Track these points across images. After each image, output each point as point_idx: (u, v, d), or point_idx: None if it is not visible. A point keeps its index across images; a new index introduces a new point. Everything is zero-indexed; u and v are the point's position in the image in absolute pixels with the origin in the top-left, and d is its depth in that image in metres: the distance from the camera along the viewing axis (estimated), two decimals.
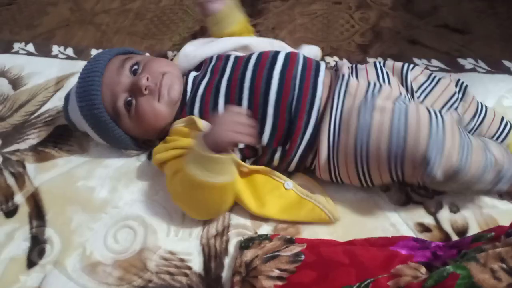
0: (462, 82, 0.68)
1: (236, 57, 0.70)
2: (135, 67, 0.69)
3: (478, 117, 0.66)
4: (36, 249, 0.64)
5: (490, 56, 0.88)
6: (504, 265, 0.40)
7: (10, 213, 0.69)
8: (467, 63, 0.88)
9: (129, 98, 0.67)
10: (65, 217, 0.67)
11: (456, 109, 0.64)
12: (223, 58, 0.71)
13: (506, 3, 1.02)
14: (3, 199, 0.71)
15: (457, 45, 0.92)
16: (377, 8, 1.05)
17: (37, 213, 0.68)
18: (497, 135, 0.67)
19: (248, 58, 0.68)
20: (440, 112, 0.59)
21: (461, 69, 0.86)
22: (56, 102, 0.87)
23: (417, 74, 0.67)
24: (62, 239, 0.64)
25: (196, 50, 0.75)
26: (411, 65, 0.68)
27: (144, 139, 0.73)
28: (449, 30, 0.96)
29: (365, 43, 0.96)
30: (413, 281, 0.45)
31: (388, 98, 0.60)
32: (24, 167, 0.75)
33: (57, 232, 0.65)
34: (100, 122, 0.69)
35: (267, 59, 0.66)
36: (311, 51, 0.78)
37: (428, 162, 0.55)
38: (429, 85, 0.66)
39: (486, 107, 0.69)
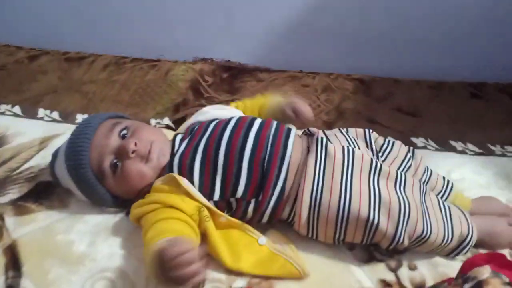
0: (408, 146, 0.80)
1: (217, 121, 0.77)
2: (124, 131, 0.75)
3: (427, 172, 0.77)
4: None
5: (438, 136, 1.01)
6: None
7: None
8: (419, 141, 1.00)
9: (115, 160, 0.72)
10: (42, 269, 0.68)
11: (409, 167, 0.74)
12: (205, 122, 0.78)
13: (451, 92, 1.18)
14: None
15: (410, 125, 1.05)
16: (340, 92, 1.18)
17: (13, 265, 0.69)
18: (443, 191, 0.77)
19: (228, 121, 0.76)
20: (405, 188, 0.68)
21: (414, 146, 0.97)
22: (39, 160, 0.90)
23: (376, 137, 0.79)
24: None
25: (195, 118, 0.82)
26: (370, 130, 0.79)
27: (124, 198, 0.77)
28: (403, 113, 1.10)
29: (330, 120, 1.07)
30: None
31: (364, 165, 0.69)
32: (3, 219, 0.77)
33: (33, 283, 0.66)
34: (85, 181, 0.73)
35: (245, 122, 0.75)
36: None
37: (396, 232, 0.64)
38: (387, 146, 0.77)
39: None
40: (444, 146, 0.98)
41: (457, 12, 1.18)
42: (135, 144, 0.72)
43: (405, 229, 0.65)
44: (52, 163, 0.79)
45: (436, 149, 0.97)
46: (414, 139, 1.00)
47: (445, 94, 1.17)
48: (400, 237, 0.65)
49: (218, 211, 0.69)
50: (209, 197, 0.71)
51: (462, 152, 0.97)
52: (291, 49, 1.32)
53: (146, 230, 0.67)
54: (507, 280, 0.47)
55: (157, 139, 0.75)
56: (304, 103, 0.82)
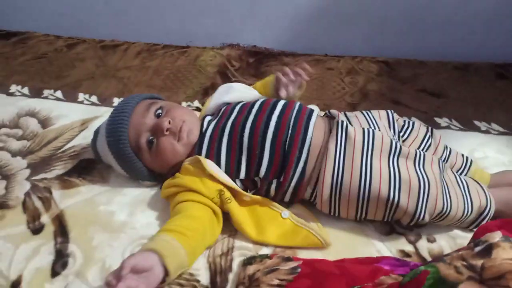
0: (427, 126, 0.82)
1: (243, 104, 0.82)
2: (159, 111, 0.80)
3: (447, 150, 0.80)
4: (60, 262, 0.71)
5: (462, 116, 1.02)
6: (465, 263, 0.49)
7: (37, 231, 0.76)
8: (443, 121, 1.01)
9: (151, 137, 0.78)
10: (87, 235, 0.75)
11: (429, 145, 0.77)
12: (232, 105, 0.83)
13: (477, 73, 1.18)
14: (30, 219, 0.79)
15: (434, 106, 1.06)
16: (364, 74, 1.20)
17: (61, 232, 0.76)
18: (462, 167, 0.80)
19: (253, 104, 0.80)
20: (424, 166, 0.71)
21: (437, 126, 0.99)
22: (81, 140, 0.98)
23: (397, 118, 0.82)
24: (84, 254, 0.72)
25: (220, 97, 0.87)
26: (392, 111, 0.82)
27: (159, 173, 0.83)
28: (427, 94, 1.11)
29: (354, 102, 1.10)
30: (392, 282, 0.53)
31: (384, 145, 0.71)
32: (50, 192, 0.84)
33: (79, 248, 0.73)
34: (124, 155, 0.79)
35: (269, 105, 0.79)
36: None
37: (416, 209, 0.67)
38: (408, 127, 0.80)
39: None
40: (468, 126, 1.00)
41: None
42: (169, 122, 0.77)
43: (426, 206, 0.67)
44: (94, 140, 0.85)
45: (460, 129, 0.99)
46: (437, 119, 1.01)
47: (471, 75, 1.17)
48: (421, 214, 0.67)
49: (241, 191, 0.74)
50: (235, 176, 0.76)
51: (486, 131, 0.98)
52: (316, 33, 1.35)
53: (171, 209, 0.74)
54: None
55: (188, 119, 0.80)
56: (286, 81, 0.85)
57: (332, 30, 1.33)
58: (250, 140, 0.74)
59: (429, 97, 1.10)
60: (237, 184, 0.76)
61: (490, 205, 0.70)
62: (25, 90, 1.17)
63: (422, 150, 0.77)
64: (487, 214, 0.70)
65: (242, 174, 0.75)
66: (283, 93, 0.85)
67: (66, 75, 1.24)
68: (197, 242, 0.68)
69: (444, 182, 0.71)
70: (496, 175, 0.80)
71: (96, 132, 0.86)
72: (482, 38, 1.25)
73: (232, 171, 0.76)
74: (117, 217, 0.78)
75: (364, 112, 0.81)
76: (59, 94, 1.15)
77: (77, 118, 1.05)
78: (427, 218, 0.68)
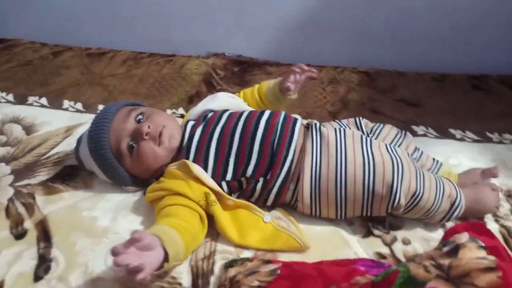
0: (401, 129, 0.87)
1: (231, 112, 0.85)
2: (140, 116, 0.82)
3: (418, 150, 0.85)
4: (43, 266, 0.71)
5: (438, 125, 1.06)
6: (433, 262, 0.52)
7: (20, 236, 0.77)
8: (420, 129, 1.05)
9: (132, 142, 0.80)
10: (70, 240, 0.75)
11: (400, 144, 0.83)
12: (218, 112, 0.85)
13: (453, 84, 1.22)
14: (13, 225, 0.79)
15: (412, 115, 1.10)
16: (345, 84, 1.24)
17: (44, 237, 0.76)
18: (432, 168, 0.84)
19: (241, 113, 0.83)
20: (395, 149, 0.75)
21: (414, 134, 1.02)
22: (65, 146, 0.98)
23: (366, 122, 0.87)
24: (67, 258, 0.72)
25: (205, 104, 0.89)
26: (361, 117, 0.87)
27: (142, 178, 0.84)
28: (405, 103, 1.15)
29: (334, 111, 1.13)
30: (366, 281, 0.55)
31: (355, 138, 0.76)
32: (34, 198, 0.85)
33: (62, 252, 0.73)
34: (105, 161, 0.81)
35: (257, 113, 0.83)
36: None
37: (391, 190, 0.70)
38: (377, 128, 0.86)
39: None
40: (443, 134, 1.03)
41: (460, 6, 1.23)
42: (149, 127, 0.79)
43: (400, 187, 0.70)
44: (77, 148, 0.87)
45: (436, 137, 1.02)
46: (415, 127, 1.05)
47: (448, 86, 1.22)
48: (396, 195, 0.70)
49: (225, 194, 0.76)
50: (222, 177, 0.78)
51: (461, 139, 1.02)
52: (300, 44, 1.38)
53: (157, 213, 0.75)
54: (482, 244, 0.52)
55: (169, 123, 0.82)
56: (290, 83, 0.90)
57: (315, 40, 1.36)
58: (240, 143, 0.78)
59: (407, 107, 1.13)
60: (222, 187, 0.78)
61: (460, 198, 0.73)
62: (10, 97, 1.18)
63: (396, 144, 0.83)
64: (458, 205, 0.73)
65: (229, 175, 0.78)
66: (291, 86, 0.89)
67: (51, 82, 1.25)
68: (189, 242, 0.70)
69: (418, 167, 0.74)
70: (463, 174, 0.84)
71: (79, 140, 0.87)
72: (459, 50, 1.29)
73: (219, 173, 0.78)
74: (100, 222, 0.79)
75: (335, 121, 0.88)
76: (44, 101, 1.16)
77: (62, 125, 1.06)
78: (402, 200, 0.71)
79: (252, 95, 0.96)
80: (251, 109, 0.89)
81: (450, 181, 0.77)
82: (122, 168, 0.82)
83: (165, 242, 0.62)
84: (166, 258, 0.62)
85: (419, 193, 0.71)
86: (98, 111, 1.09)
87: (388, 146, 0.76)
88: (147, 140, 0.79)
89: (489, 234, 0.56)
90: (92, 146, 0.81)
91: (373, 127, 0.86)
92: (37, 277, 0.69)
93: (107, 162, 0.81)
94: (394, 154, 0.73)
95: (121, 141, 0.80)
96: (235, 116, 0.82)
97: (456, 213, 0.73)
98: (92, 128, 0.82)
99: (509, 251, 0.56)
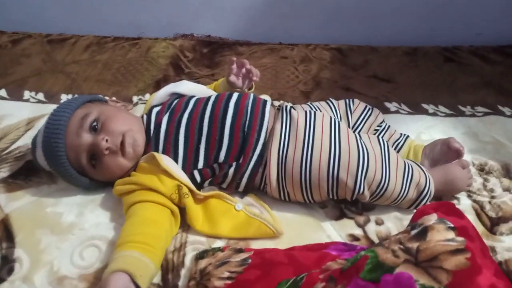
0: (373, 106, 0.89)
1: (198, 98, 0.82)
2: (94, 123, 0.75)
3: (386, 124, 0.88)
4: (6, 268, 0.68)
5: (411, 100, 1.05)
6: (402, 246, 0.51)
7: None
8: (392, 106, 1.04)
9: (92, 159, 0.75)
10: (34, 239, 0.72)
11: (368, 118, 0.85)
12: (184, 98, 0.82)
13: (425, 58, 1.21)
14: None
15: (384, 91, 1.09)
16: (318, 62, 1.21)
17: (7, 236, 0.73)
18: (399, 140, 0.86)
19: (209, 98, 0.80)
20: (361, 137, 0.74)
21: (387, 111, 1.01)
22: (27, 140, 0.94)
23: (357, 104, 0.87)
24: (31, 258, 0.69)
25: (170, 88, 0.86)
26: (351, 100, 0.87)
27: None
28: (378, 79, 1.14)
29: (307, 90, 1.11)
30: (337, 267, 0.54)
31: (325, 123, 0.74)
32: None
33: (26, 252, 0.70)
34: (67, 175, 0.77)
35: (224, 96, 0.80)
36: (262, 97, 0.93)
37: (356, 180, 0.69)
38: (365, 114, 0.86)
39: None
40: (416, 109, 1.02)
41: None
42: (107, 140, 0.73)
43: (364, 177, 0.69)
44: (34, 152, 0.81)
45: (409, 113, 1.02)
46: (387, 104, 1.04)
47: (420, 59, 1.21)
48: (360, 185, 0.69)
49: (195, 190, 0.73)
50: (194, 166, 0.76)
51: (433, 114, 1.01)
52: (271, 22, 1.34)
53: (125, 209, 0.72)
54: (451, 225, 0.51)
55: (128, 128, 0.76)
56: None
57: (286, 18, 1.33)
58: (209, 128, 0.75)
59: (379, 83, 1.12)
60: (195, 176, 0.76)
61: (429, 185, 0.73)
62: None
63: (363, 120, 0.85)
64: (426, 193, 0.72)
65: (201, 163, 0.75)
66: (232, 78, 0.88)
67: (10, 72, 1.19)
68: (162, 250, 0.67)
69: (387, 156, 0.72)
70: (428, 146, 0.83)
71: (34, 144, 0.81)
72: (431, 24, 1.28)
73: (190, 162, 0.76)
74: (65, 218, 0.76)
75: (308, 103, 0.86)
76: (3, 92, 1.10)
77: (23, 117, 1.01)
78: (366, 190, 0.70)
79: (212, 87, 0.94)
80: (219, 93, 0.85)
81: (420, 167, 0.76)
82: (86, 178, 0.78)
83: (138, 278, 0.59)
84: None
85: (384, 184, 0.70)
86: (61, 101, 1.06)
87: (357, 134, 0.75)
88: (108, 155, 0.74)
89: (458, 214, 0.55)
90: (51, 163, 0.76)
91: (362, 112, 0.86)
92: (0, 280, 0.66)
93: (69, 176, 0.77)
94: (361, 143, 0.72)
95: (80, 158, 0.75)
96: (202, 101, 0.79)
97: (424, 201, 0.73)
98: (46, 142, 0.75)
99: (478, 230, 0.55)
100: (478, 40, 1.24)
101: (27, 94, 1.10)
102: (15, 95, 1.10)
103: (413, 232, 0.52)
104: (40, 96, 1.09)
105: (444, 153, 0.80)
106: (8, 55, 1.27)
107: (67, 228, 0.74)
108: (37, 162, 0.81)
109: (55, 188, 0.83)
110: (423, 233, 0.51)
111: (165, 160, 0.74)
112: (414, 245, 0.50)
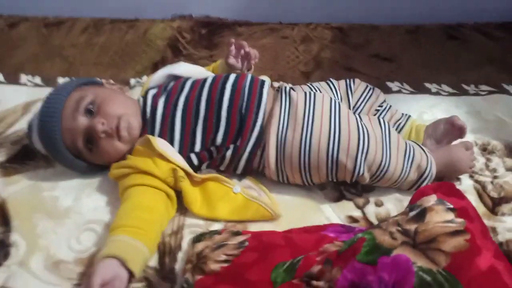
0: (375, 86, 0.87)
1: (194, 80, 0.80)
2: (90, 106, 0.74)
3: (388, 104, 0.85)
4: (1, 252, 0.68)
5: (413, 79, 1.02)
6: (400, 228, 0.49)
7: None
8: (394, 85, 1.01)
9: (88, 142, 0.74)
10: (30, 223, 0.72)
11: (371, 95, 0.83)
12: (181, 80, 0.80)
13: (428, 35, 1.18)
14: None
15: (386, 71, 1.06)
16: (318, 41, 1.19)
17: (3, 221, 0.73)
18: (401, 119, 0.84)
19: (205, 79, 0.78)
20: (361, 119, 0.71)
21: (389, 91, 0.99)
22: (24, 124, 0.92)
23: (358, 85, 0.84)
24: (27, 242, 0.69)
25: (167, 70, 0.84)
26: (351, 80, 0.85)
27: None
28: (380, 59, 1.11)
29: (308, 70, 1.08)
30: (335, 249, 0.53)
31: (325, 104, 0.72)
32: None
33: (22, 236, 0.70)
34: (64, 159, 0.76)
35: (221, 78, 0.78)
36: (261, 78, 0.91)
37: (355, 163, 0.67)
38: (366, 94, 0.83)
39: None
40: (418, 88, 1.00)
41: None
42: (103, 124, 0.73)
43: (365, 160, 0.68)
44: (30, 136, 0.79)
45: (411, 92, 0.99)
46: (389, 84, 1.02)
47: (422, 37, 1.18)
48: (360, 168, 0.68)
49: (192, 172, 0.72)
50: (190, 149, 0.75)
51: (436, 93, 0.99)
52: (270, 1, 1.31)
53: (121, 193, 0.71)
54: (451, 206, 0.50)
55: (124, 112, 0.75)
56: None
57: None
58: (206, 111, 0.74)
59: (381, 62, 1.09)
60: (192, 159, 0.75)
61: (431, 167, 0.71)
62: None
63: (363, 100, 0.83)
64: (427, 175, 0.71)
65: (198, 146, 0.74)
66: (231, 60, 0.85)
67: (7, 56, 1.17)
68: (156, 234, 0.66)
69: (388, 138, 0.71)
70: (430, 126, 0.81)
71: (30, 128, 0.79)
72: (433, 1, 1.24)
73: (187, 145, 0.74)
74: (62, 202, 0.76)
75: (308, 84, 0.83)
76: (0, 77, 1.09)
77: (20, 101, 1.00)
78: (366, 173, 0.69)
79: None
80: (216, 74, 0.83)
81: (422, 148, 0.74)
82: (82, 162, 0.77)
83: (128, 262, 0.58)
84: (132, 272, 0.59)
85: (384, 166, 0.69)
86: (56, 86, 1.03)
87: (357, 116, 0.73)
88: (105, 138, 0.73)
89: (458, 194, 0.53)
90: (47, 147, 0.75)
91: (362, 92, 0.84)
92: None
93: (66, 160, 0.76)
94: (361, 125, 0.70)
95: (76, 141, 0.74)
96: (199, 83, 0.78)
97: (425, 183, 0.72)
98: (41, 126, 0.74)
99: (479, 211, 0.54)
100: (481, 16, 1.21)
101: (24, 78, 1.09)
102: (12, 79, 1.08)
103: (412, 213, 0.51)
104: (37, 80, 1.08)
105: (447, 132, 0.79)
106: (4, 39, 1.25)
107: (64, 212, 0.74)
108: (34, 146, 0.80)
109: (51, 172, 0.82)
110: (422, 214, 0.50)
111: (160, 143, 0.72)
112: (412, 227, 0.49)
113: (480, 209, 0.70)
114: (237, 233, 0.66)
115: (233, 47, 0.86)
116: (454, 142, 0.80)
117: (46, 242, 0.69)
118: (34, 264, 0.66)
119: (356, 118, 0.72)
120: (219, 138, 0.73)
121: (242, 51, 0.86)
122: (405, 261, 0.46)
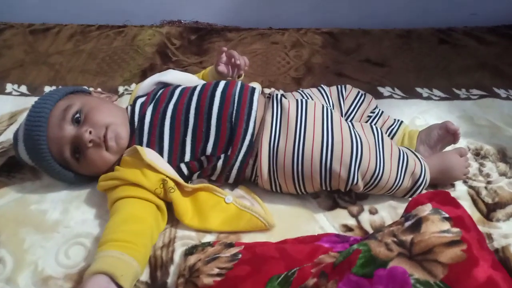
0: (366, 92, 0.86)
1: (183, 87, 0.78)
2: (77, 115, 0.72)
3: (379, 110, 0.84)
4: None
5: (405, 84, 1.02)
6: (395, 239, 0.49)
7: None
8: (385, 91, 1.01)
9: (76, 152, 0.72)
10: (18, 238, 0.70)
11: (361, 104, 0.82)
12: (170, 88, 0.79)
13: (419, 40, 1.18)
14: None
15: (378, 76, 1.06)
16: (309, 47, 1.18)
17: None
18: (393, 125, 0.83)
19: (195, 87, 0.77)
20: (354, 126, 0.71)
21: (380, 96, 0.99)
22: (9, 135, 0.90)
23: (349, 91, 0.83)
24: (15, 258, 0.67)
25: (156, 77, 0.83)
26: (343, 86, 0.84)
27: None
28: (371, 64, 1.11)
29: (298, 76, 1.08)
30: (330, 261, 0.52)
31: (317, 112, 0.71)
32: None
33: (9, 252, 0.68)
34: (50, 170, 0.74)
35: (211, 85, 0.77)
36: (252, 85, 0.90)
37: (349, 171, 0.67)
38: (358, 101, 0.82)
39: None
40: (410, 93, 1.00)
41: None
42: (90, 133, 0.71)
43: (358, 168, 0.67)
44: (16, 147, 0.77)
45: (402, 97, 0.99)
46: (380, 89, 1.01)
47: (413, 42, 1.18)
48: (354, 176, 0.67)
49: (182, 182, 0.71)
50: (180, 159, 0.73)
51: (428, 98, 0.99)
52: (260, 6, 1.30)
53: (110, 205, 0.70)
54: (446, 215, 0.50)
55: (111, 121, 0.73)
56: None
57: (276, 1, 1.29)
58: (196, 120, 0.72)
59: (372, 67, 1.09)
60: (182, 169, 0.73)
61: (425, 173, 0.71)
62: None
63: (355, 106, 0.82)
64: (422, 182, 0.71)
65: (187, 156, 0.73)
66: (221, 67, 0.85)
67: None
68: (146, 248, 0.65)
69: (381, 146, 0.70)
70: (423, 131, 0.81)
71: (15, 138, 0.77)
72: (424, 5, 1.24)
73: (176, 155, 0.73)
74: (50, 215, 0.73)
75: (299, 91, 0.83)
76: None
77: (5, 111, 0.98)
78: (360, 181, 0.68)
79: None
80: (205, 82, 0.82)
81: (416, 154, 0.74)
82: (70, 172, 0.75)
83: (119, 278, 0.56)
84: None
85: (378, 174, 0.68)
86: (42, 95, 1.01)
87: (350, 123, 0.72)
88: (92, 148, 0.72)
89: (454, 203, 0.53)
90: (33, 157, 0.74)
91: (354, 98, 0.83)
92: None
93: (53, 170, 0.74)
94: (354, 133, 0.69)
95: (63, 151, 0.72)
96: (188, 91, 0.76)
97: (419, 190, 0.71)
98: (27, 135, 0.72)
99: (474, 217, 0.53)
100: (472, 21, 1.21)
101: (9, 87, 1.06)
102: None
103: (407, 223, 0.50)
104: (23, 88, 1.06)
105: (441, 137, 0.78)
106: None
107: (52, 226, 0.72)
108: (20, 157, 0.78)
109: (39, 185, 0.80)
110: (417, 224, 0.49)
111: (149, 154, 0.71)
112: (408, 237, 0.48)
113: (475, 215, 0.70)
114: (230, 245, 0.65)
115: (223, 55, 0.85)
116: (448, 148, 0.79)
117: (34, 257, 0.67)
118: (22, 281, 0.64)
119: (349, 126, 0.71)
120: (209, 147, 0.72)
121: (233, 60, 0.85)
122: (402, 273, 0.45)
